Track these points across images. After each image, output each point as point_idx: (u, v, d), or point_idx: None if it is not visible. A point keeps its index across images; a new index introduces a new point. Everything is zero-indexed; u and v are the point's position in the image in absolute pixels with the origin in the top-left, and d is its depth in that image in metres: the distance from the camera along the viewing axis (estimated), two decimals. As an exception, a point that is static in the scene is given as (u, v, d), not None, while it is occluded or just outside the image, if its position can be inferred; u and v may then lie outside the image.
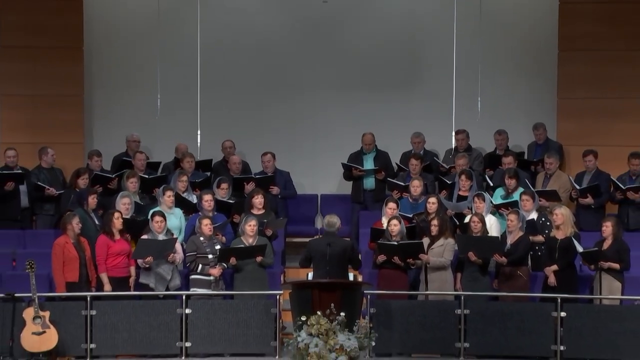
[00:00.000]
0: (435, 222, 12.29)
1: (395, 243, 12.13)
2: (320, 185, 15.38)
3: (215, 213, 12.68)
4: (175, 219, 12.77)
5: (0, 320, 11.43)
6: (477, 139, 14.92)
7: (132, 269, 12.12)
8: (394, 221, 12.28)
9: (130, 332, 11.60)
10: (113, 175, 13.87)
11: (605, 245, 11.97)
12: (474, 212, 12.59)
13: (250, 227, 12.13)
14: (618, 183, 13.49)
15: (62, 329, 11.34)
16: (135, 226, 12.39)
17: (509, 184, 13.29)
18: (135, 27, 15.46)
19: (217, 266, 12.05)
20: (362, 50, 15.57)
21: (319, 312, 9.58)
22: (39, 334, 11.20)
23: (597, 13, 14.89)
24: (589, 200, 13.50)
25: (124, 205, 12.53)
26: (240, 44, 15.54)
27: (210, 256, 12.05)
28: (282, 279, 12.89)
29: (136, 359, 11.62)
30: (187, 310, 11.64)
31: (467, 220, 12.59)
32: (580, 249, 12.13)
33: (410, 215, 12.96)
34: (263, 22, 15.56)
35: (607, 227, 12.02)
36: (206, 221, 12.18)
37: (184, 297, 11.75)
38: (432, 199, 12.77)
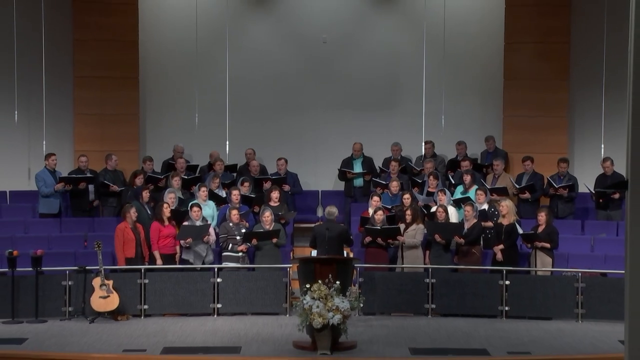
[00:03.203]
0: (409, 211, 12.34)
1: (379, 228, 12.17)
2: (320, 183, 15.38)
3: (240, 205, 12.72)
4: (209, 209, 12.78)
5: (74, 287, 11.47)
6: (441, 148, 14.94)
7: (177, 248, 12.16)
8: (378, 211, 12.32)
9: (174, 296, 11.62)
10: (162, 176, 13.90)
11: (540, 229, 12.02)
12: (438, 204, 12.62)
13: (266, 216, 12.17)
14: (552, 182, 13.52)
15: (122, 294, 11.37)
16: (179, 215, 12.41)
17: (466, 179, 13.35)
18: (179, 63, 15.47)
19: (243, 245, 12.09)
20: (353, 79, 15.58)
21: (319, 281, 9.58)
22: (105, 297, 11.23)
23: (533, 51, 14.95)
24: (526, 195, 13.55)
25: (170, 199, 12.56)
26: (259, 75, 15.56)
27: (237, 238, 12.09)
28: (291, 255, 12.89)
29: (179, 317, 11.63)
30: (219, 280, 11.68)
31: (433, 210, 12.63)
32: (520, 231, 12.18)
33: (390, 207, 12.99)
34: (277, 58, 15.58)
35: (542, 216, 12.07)
36: (234, 211, 12.22)
37: (216, 269, 11.79)
38: (407, 194, 12.82)
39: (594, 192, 13.36)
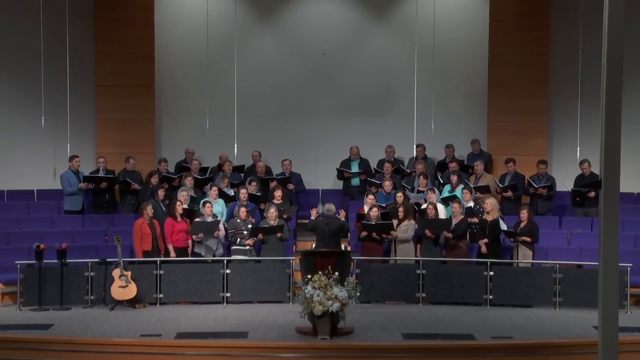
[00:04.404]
0: (401, 208, 12.33)
1: (374, 223, 12.16)
2: (320, 182, 15.38)
3: (247, 202, 12.72)
4: (219, 207, 12.78)
5: (96, 277, 11.48)
6: (431, 151, 14.93)
7: (190, 242, 12.16)
8: (373, 208, 12.31)
9: (187, 285, 11.63)
10: (175, 176, 13.91)
11: (522, 225, 12.01)
12: (428, 202, 12.62)
13: (270, 213, 12.18)
14: (532, 182, 13.53)
15: (140, 284, 11.38)
16: (191, 212, 12.42)
17: (453, 180, 13.37)
18: (191, 72, 15.50)
19: (250, 239, 12.09)
20: (350, 87, 15.59)
21: (320, 272, 9.58)
22: (124, 287, 11.25)
23: (515, 62, 14.96)
24: (509, 194, 13.55)
25: (183, 197, 12.56)
26: (264, 83, 15.57)
27: (245, 232, 12.09)
28: (294, 248, 12.89)
29: (191, 304, 11.62)
30: (228, 271, 11.68)
31: (424, 207, 12.62)
32: (504, 227, 12.18)
33: (384, 204, 12.98)
34: (281, 68, 15.59)
35: (524, 213, 12.07)
36: (242, 208, 12.22)
37: (225, 261, 11.78)
38: (399, 193, 12.82)
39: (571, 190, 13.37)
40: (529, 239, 11.89)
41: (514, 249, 12.04)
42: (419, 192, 13.41)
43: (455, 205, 12.33)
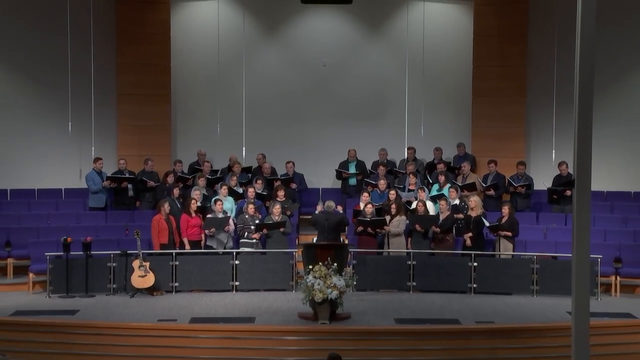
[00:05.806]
0: (393, 205, 12.34)
1: (369, 219, 12.16)
2: (321, 182, 15.36)
3: (255, 200, 12.71)
4: (228, 204, 12.77)
5: (117, 268, 11.48)
6: (420, 153, 14.92)
7: (203, 236, 12.15)
8: (368, 205, 12.30)
9: (200, 275, 11.63)
10: (189, 176, 13.89)
11: (503, 220, 12.01)
12: (418, 199, 12.61)
13: (275, 209, 12.17)
14: (511, 181, 13.52)
15: (157, 274, 11.37)
16: (204, 208, 12.41)
17: (441, 180, 13.36)
18: (203, 82, 15.47)
19: (256, 233, 12.08)
20: (347, 96, 15.57)
21: (320, 263, 9.59)
22: (143, 276, 11.25)
23: (496, 73, 14.92)
24: (491, 192, 13.54)
25: (197, 195, 12.55)
26: (270, 92, 15.56)
27: (252, 227, 12.08)
28: (296, 242, 12.89)
29: (204, 292, 11.63)
30: (237, 262, 11.68)
31: (414, 204, 12.62)
32: (487, 223, 12.17)
33: (378, 202, 12.97)
34: (285, 78, 15.58)
35: (505, 210, 12.08)
36: (250, 205, 12.23)
37: (234, 253, 11.79)
38: (392, 192, 12.81)
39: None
40: (509, 234, 11.89)
41: (496, 242, 12.04)
42: (409, 190, 13.42)
43: (443, 202, 12.32)
